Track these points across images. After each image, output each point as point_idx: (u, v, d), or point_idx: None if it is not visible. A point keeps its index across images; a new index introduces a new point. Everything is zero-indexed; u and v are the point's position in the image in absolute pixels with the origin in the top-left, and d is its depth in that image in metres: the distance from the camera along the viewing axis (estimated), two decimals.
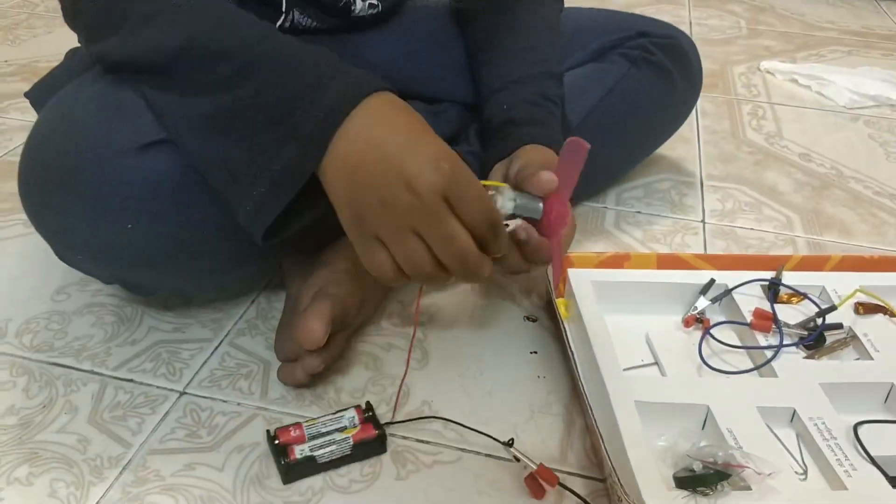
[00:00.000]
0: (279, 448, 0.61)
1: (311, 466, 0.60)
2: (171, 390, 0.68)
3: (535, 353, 0.75)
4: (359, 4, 0.80)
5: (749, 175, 1.11)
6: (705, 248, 0.93)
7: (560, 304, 0.77)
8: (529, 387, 0.70)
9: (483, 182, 0.61)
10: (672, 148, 1.13)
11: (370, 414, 0.64)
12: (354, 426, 0.63)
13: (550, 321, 0.79)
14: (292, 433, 0.62)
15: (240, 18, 0.57)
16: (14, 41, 1.43)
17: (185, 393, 0.68)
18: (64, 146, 0.59)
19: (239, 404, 0.67)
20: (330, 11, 0.79)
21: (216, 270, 0.67)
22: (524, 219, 0.61)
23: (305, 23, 0.80)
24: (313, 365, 0.65)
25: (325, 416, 0.64)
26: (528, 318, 0.79)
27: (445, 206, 0.52)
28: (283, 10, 0.76)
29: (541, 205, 0.61)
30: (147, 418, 0.65)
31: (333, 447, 0.61)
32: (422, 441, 0.64)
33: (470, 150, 0.83)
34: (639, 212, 1.00)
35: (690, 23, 1.75)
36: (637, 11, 1.76)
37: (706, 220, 0.99)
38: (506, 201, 0.60)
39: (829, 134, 1.25)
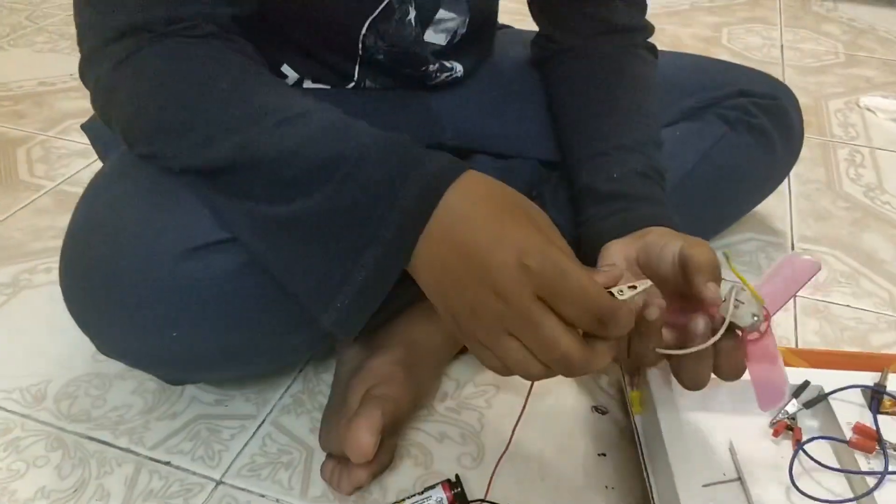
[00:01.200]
0: None
1: None
2: (208, 478, 0.63)
3: (604, 455, 0.68)
4: (440, 77, 0.75)
5: (845, 237, 1.01)
6: (796, 330, 0.84)
7: (633, 396, 0.70)
8: (596, 500, 0.64)
9: (746, 285, 0.55)
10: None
11: (459, 490, 0.60)
12: None
13: (622, 414, 0.72)
14: None
15: (295, 109, 0.52)
16: None
17: (223, 482, 0.63)
18: (106, 248, 0.54)
19: (278, 501, 0.62)
20: (404, 79, 0.73)
21: (263, 366, 0.62)
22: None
23: (376, 86, 0.74)
24: (360, 478, 0.59)
25: (411, 496, 0.60)
26: (596, 410, 0.72)
27: (540, 307, 0.45)
28: (355, 79, 0.71)
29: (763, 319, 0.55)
30: None
31: None
32: None
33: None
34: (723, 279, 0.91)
35: (782, 46, 1.63)
36: (725, 32, 1.70)
37: (797, 293, 0.90)
38: (747, 315, 0.53)
39: None
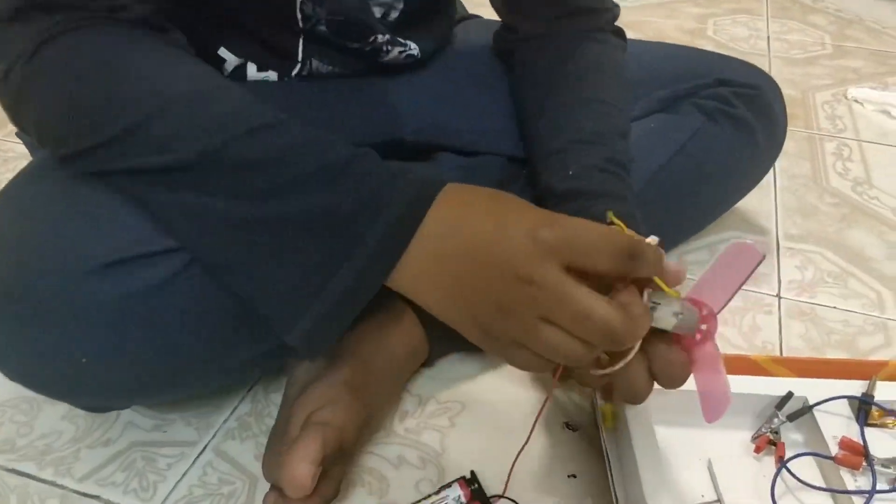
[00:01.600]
0: None
1: None
2: None
3: (574, 476, 0.63)
4: (393, 53, 0.69)
5: (832, 234, 0.96)
6: (780, 334, 0.80)
7: (605, 410, 0.65)
8: None
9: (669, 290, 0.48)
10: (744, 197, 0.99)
11: (476, 486, 0.59)
12: None
13: (595, 430, 0.67)
14: None
15: (263, 118, 0.48)
16: None
17: None
18: (12, 258, 0.49)
19: None
20: (354, 56, 0.68)
21: (194, 390, 0.57)
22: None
23: (325, 70, 0.69)
24: None
25: (426, 498, 0.58)
26: (567, 426, 0.67)
27: (567, 279, 0.43)
28: (300, 59, 0.66)
29: (697, 318, 0.49)
30: None
31: None
32: None
33: None
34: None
35: (768, 37, 1.58)
36: (711, 23, 1.65)
37: (782, 295, 0.85)
38: (668, 315, 0.48)
39: None
